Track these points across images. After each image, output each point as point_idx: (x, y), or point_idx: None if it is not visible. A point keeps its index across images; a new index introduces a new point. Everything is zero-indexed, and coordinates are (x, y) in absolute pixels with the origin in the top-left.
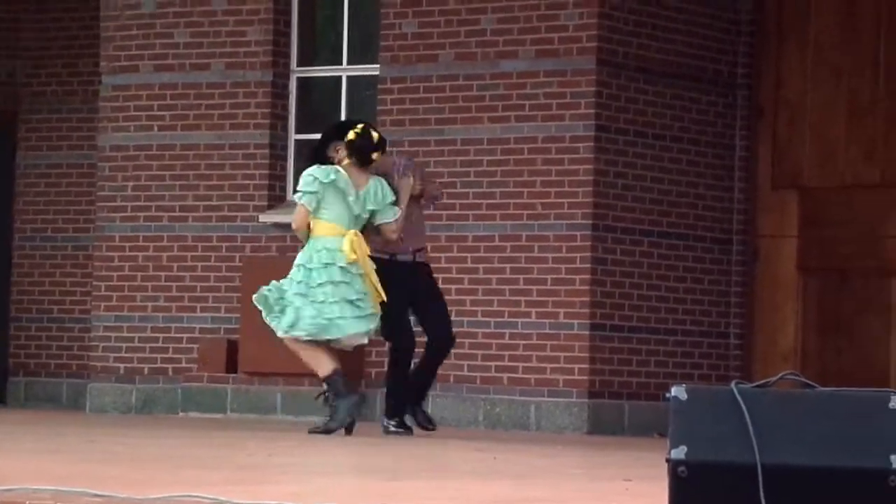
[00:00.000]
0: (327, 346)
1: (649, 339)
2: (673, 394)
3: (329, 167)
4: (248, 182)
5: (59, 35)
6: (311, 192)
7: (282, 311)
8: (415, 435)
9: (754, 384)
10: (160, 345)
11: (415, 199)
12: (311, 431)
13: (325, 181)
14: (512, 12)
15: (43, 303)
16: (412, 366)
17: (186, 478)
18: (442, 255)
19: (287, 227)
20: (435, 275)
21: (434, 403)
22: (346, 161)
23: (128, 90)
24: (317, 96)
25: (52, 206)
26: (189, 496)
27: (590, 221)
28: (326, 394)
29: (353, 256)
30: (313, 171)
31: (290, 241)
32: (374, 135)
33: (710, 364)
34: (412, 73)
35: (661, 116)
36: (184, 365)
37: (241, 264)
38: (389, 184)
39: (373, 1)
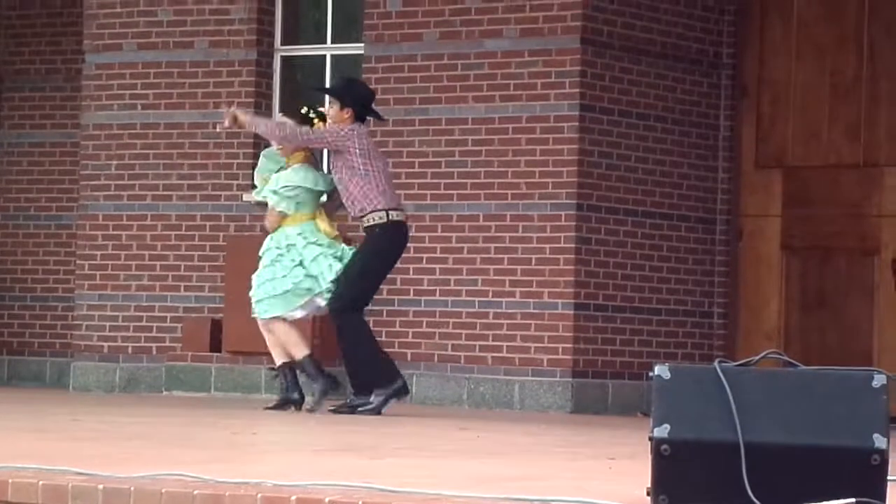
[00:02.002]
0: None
1: (633, 318)
2: (656, 373)
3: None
4: (231, 161)
5: (42, 12)
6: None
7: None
8: (384, 414)
9: (737, 363)
10: (144, 324)
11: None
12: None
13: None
14: None
15: (26, 281)
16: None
17: (170, 456)
18: (426, 234)
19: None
20: (414, 252)
21: (418, 382)
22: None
23: (111, 68)
24: (301, 75)
25: (35, 185)
26: (173, 475)
27: (574, 201)
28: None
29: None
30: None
31: None
32: None
33: (693, 343)
34: (396, 52)
35: (646, 96)
36: (168, 344)
37: (224, 243)
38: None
39: None
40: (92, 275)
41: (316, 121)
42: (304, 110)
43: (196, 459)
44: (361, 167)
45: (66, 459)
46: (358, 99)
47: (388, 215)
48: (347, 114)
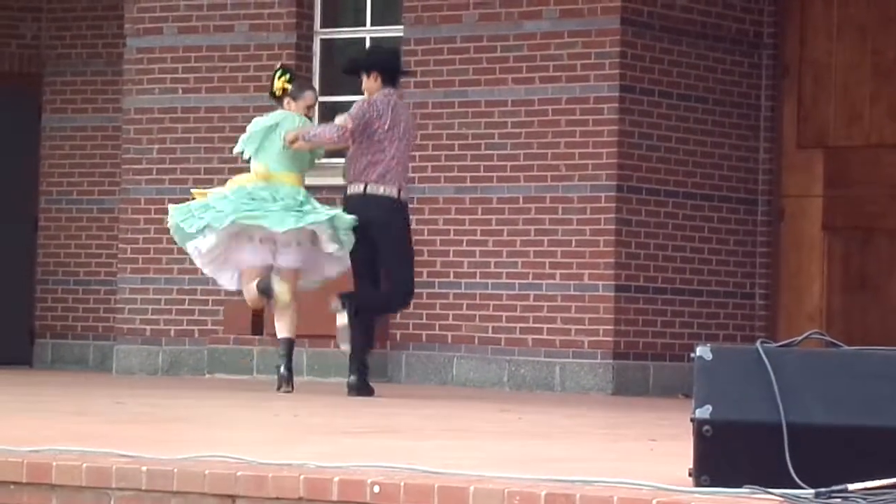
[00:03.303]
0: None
1: (674, 299)
2: (698, 354)
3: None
4: None
5: None
6: None
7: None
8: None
9: (779, 344)
10: (186, 307)
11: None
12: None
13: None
14: None
15: (69, 265)
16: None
17: (213, 438)
18: (466, 217)
19: (310, 189)
20: (454, 235)
21: (459, 364)
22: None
23: (152, 52)
24: (340, 58)
25: (77, 169)
26: (216, 456)
27: (614, 182)
28: None
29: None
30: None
31: None
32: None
33: (735, 324)
34: (436, 34)
35: (686, 76)
36: (210, 327)
37: None
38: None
39: None
40: (134, 258)
41: (281, 80)
42: (277, 72)
43: (239, 441)
44: (360, 140)
45: (110, 442)
46: (378, 62)
47: (346, 189)
48: (375, 79)
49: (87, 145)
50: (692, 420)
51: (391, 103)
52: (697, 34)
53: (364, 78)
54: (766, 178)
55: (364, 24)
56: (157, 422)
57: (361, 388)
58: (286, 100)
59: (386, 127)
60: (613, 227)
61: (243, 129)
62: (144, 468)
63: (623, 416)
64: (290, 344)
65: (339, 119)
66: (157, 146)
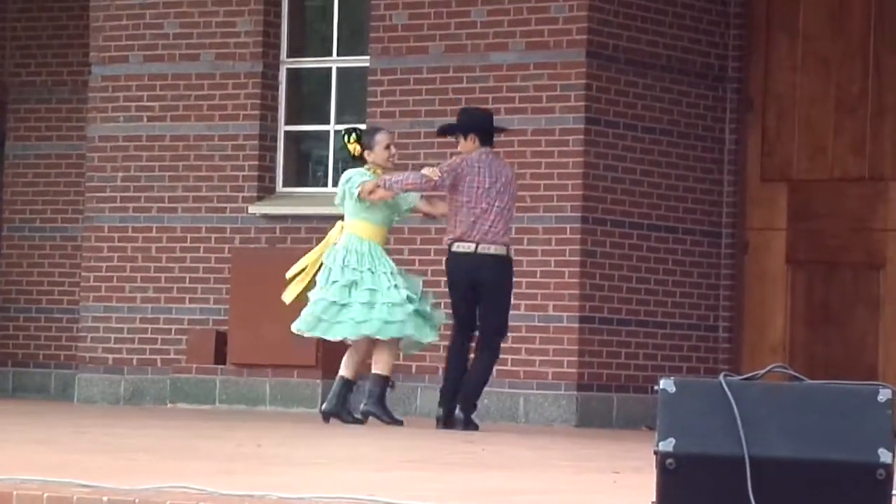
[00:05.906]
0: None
1: (638, 331)
2: (661, 386)
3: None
4: (237, 173)
5: (49, 24)
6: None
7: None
8: (405, 428)
9: (743, 377)
10: (149, 335)
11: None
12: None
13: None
14: (502, 4)
15: (31, 293)
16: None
17: (175, 468)
18: (431, 247)
19: (275, 218)
20: (419, 265)
21: (422, 395)
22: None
23: (117, 80)
24: (307, 87)
25: (40, 196)
26: (178, 487)
27: (579, 214)
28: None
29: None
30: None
31: (279, 233)
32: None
33: (698, 357)
34: (402, 64)
35: (651, 109)
36: (172, 356)
37: (230, 255)
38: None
39: None
40: (97, 286)
41: (352, 139)
42: (344, 137)
43: (201, 472)
44: (455, 196)
45: (71, 471)
46: (474, 125)
47: (451, 245)
48: (473, 140)
49: (51, 173)
50: (655, 453)
51: (489, 160)
52: (662, 67)
53: (461, 140)
54: (730, 210)
55: (330, 54)
56: (119, 451)
57: (461, 421)
58: (366, 153)
59: (487, 184)
60: (578, 258)
61: (208, 158)
62: (105, 498)
63: (587, 448)
64: (383, 381)
65: (427, 170)
66: (121, 174)
